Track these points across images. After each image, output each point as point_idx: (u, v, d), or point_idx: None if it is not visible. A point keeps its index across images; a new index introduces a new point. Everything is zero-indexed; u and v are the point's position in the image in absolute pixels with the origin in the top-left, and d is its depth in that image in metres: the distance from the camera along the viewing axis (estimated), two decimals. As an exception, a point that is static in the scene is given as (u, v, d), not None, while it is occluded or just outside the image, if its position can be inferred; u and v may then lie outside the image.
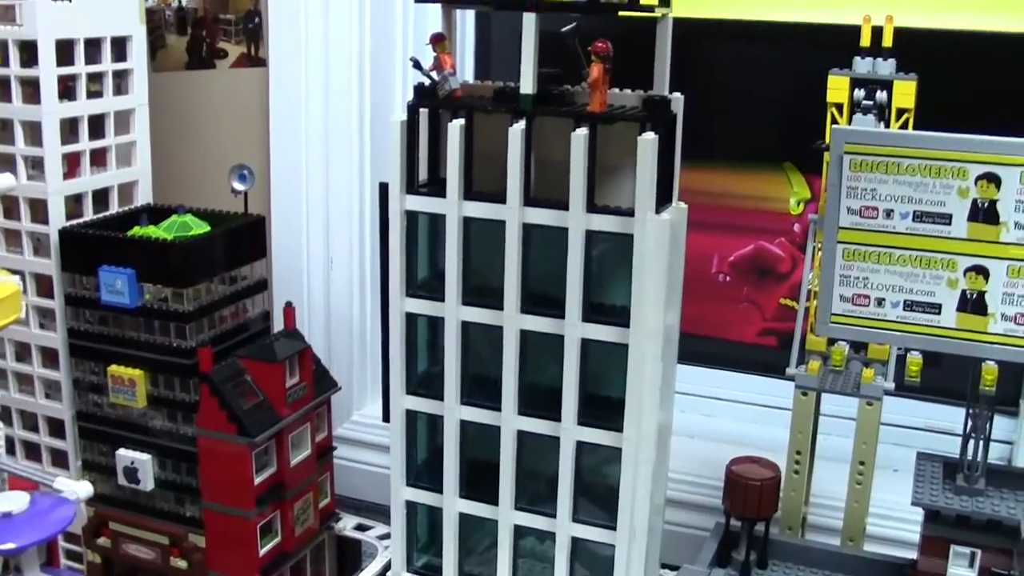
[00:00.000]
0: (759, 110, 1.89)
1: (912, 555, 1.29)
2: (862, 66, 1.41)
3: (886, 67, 1.40)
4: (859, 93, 1.41)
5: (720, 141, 1.89)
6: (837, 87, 1.42)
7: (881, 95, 1.40)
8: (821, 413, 1.52)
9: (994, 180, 1.14)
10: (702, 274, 1.91)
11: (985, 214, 1.15)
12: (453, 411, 1.35)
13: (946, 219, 1.16)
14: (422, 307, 1.35)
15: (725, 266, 1.93)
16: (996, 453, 1.76)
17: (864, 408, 1.40)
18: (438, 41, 1.30)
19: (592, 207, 1.23)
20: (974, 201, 1.15)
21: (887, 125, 1.38)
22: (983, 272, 1.16)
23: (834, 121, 1.41)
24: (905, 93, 1.38)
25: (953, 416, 1.77)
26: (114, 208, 1.71)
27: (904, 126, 1.37)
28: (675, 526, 1.63)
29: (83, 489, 1.32)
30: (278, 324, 1.68)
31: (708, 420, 1.92)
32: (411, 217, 1.33)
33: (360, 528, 1.81)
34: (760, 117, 1.90)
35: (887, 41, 1.40)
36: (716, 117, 1.86)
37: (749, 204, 1.90)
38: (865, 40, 1.41)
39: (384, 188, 1.35)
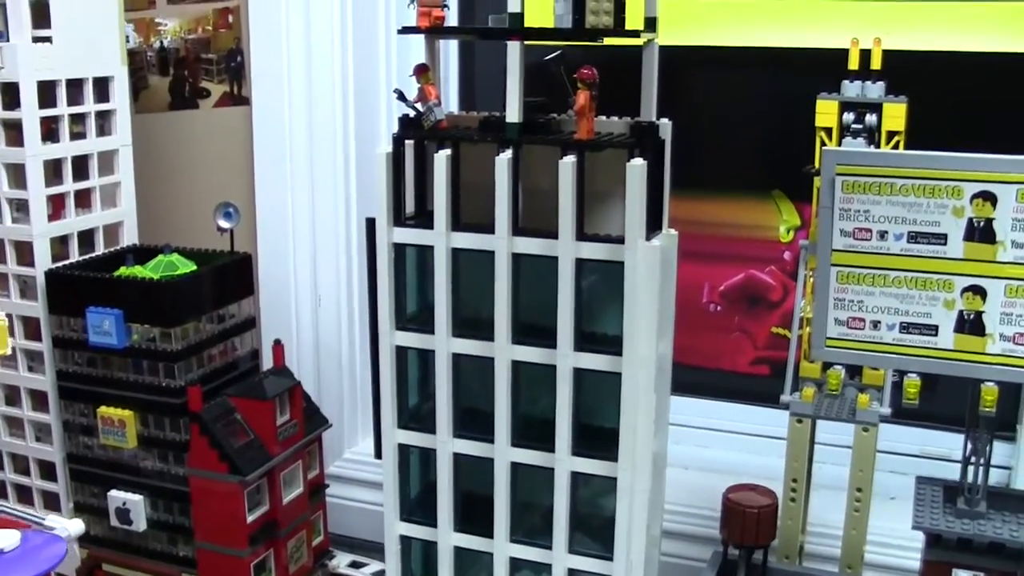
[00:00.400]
0: (747, 138, 1.89)
1: (913, 582, 1.28)
2: (851, 89, 1.40)
3: (875, 90, 1.39)
4: (848, 116, 1.40)
5: (708, 170, 1.88)
6: (826, 111, 1.41)
7: (871, 118, 1.39)
8: (816, 441, 1.50)
9: (990, 198, 1.12)
10: (693, 304, 1.90)
11: (981, 233, 1.14)
12: (446, 444, 1.33)
13: (941, 239, 1.15)
14: (412, 340, 1.33)
15: (716, 296, 1.92)
16: (994, 478, 1.73)
17: (860, 434, 1.39)
18: (422, 72, 1.29)
19: (582, 235, 1.22)
20: (970, 220, 1.14)
21: (877, 148, 1.38)
22: (980, 292, 1.15)
23: (823, 145, 1.40)
24: (895, 115, 1.37)
25: (950, 442, 1.76)
26: (100, 249, 1.70)
27: (895, 148, 1.37)
28: (672, 557, 1.61)
29: (74, 527, 1.30)
30: (267, 362, 1.67)
31: (703, 450, 1.91)
32: (399, 250, 1.32)
33: (354, 565, 1.79)
34: (748, 145, 1.89)
35: (876, 64, 1.40)
36: (704, 146, 1.86)
37: (739, 233, 1.89)
38: (853, 63, 1.40)
39: (371, 223, 1.34)
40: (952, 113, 1.69)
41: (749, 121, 1.88)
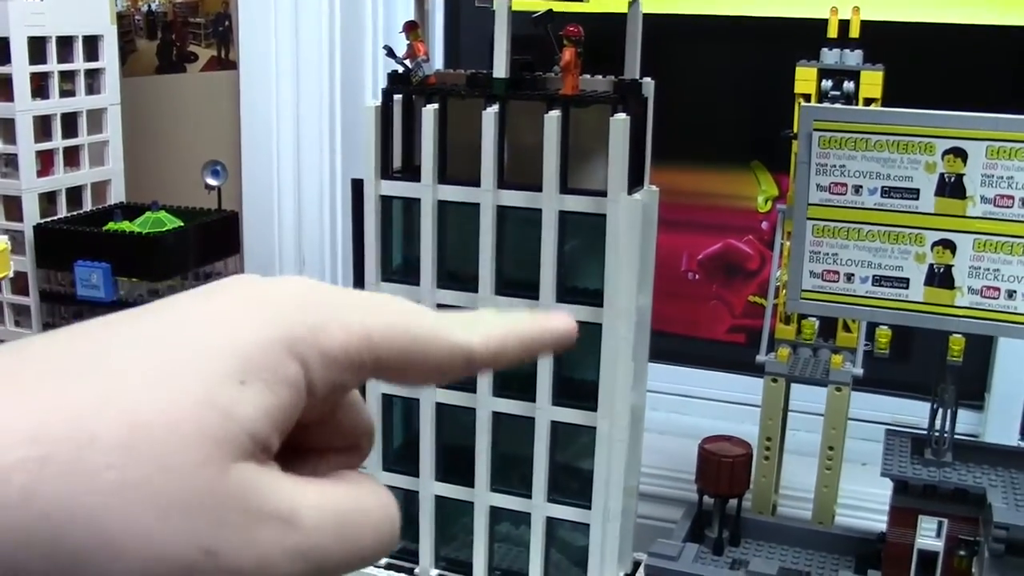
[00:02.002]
0: (726, 108, 1.92)
1: (877, 529, 1.31)
2: (829, 57, 1.43)
3: (853, 58, 1.42)
4: (827, 83, 1.43)
5: (687, 140, 1.91)
6: (805, 78, 1.43)
7: (848, 85, 1.42)
8: (791, 408, 1.53)
9: (960, 155, 1.16)
10: (671, 272, 1.93)
11: (952, 188, 1.17)
12: (428, 394, 1.36)
13: (914, 194, 1.19)
14: (397, 291, 1.36)
15: (694, 264, 1.95)
16: (962, 443, 1.79)
17: (833, 394, 1.42)
18: (411, 29, 1.32)
19: (565, 188, 1.25)
20: (941, 176, 1.17)
21: (853, 115, 1.41)
22: (950, 246, 1.18)
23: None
24: (872, 83, 1.40)
25: (920, 411, 1.79)
26: (88, 206, 1.71)
27: (870, 115, 1.40)
28: (648, 519, 1.64)
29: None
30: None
31: (680, 417, 1.93)
32: (385, 202, 1.34)
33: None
34: (727, 115, 1.92)
35: (854, 32, 1.43)
36: (682, 116, 1.89)
37: (717, 202, 1.93)
38: (832, 31, 1.43)
39: (356, 184, 1.36)
40: (928, 82, 1.72)
41: (728, 91, 1.91)
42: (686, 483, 1.68)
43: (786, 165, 1.44)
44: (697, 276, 1.95)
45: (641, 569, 1.31)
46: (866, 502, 1.62)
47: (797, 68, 1.44)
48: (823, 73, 1.44)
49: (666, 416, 1.92)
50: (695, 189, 1.93)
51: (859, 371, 1.41)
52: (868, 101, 1.40)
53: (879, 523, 1.53)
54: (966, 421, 1.78)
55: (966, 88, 1.74)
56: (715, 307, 1.96)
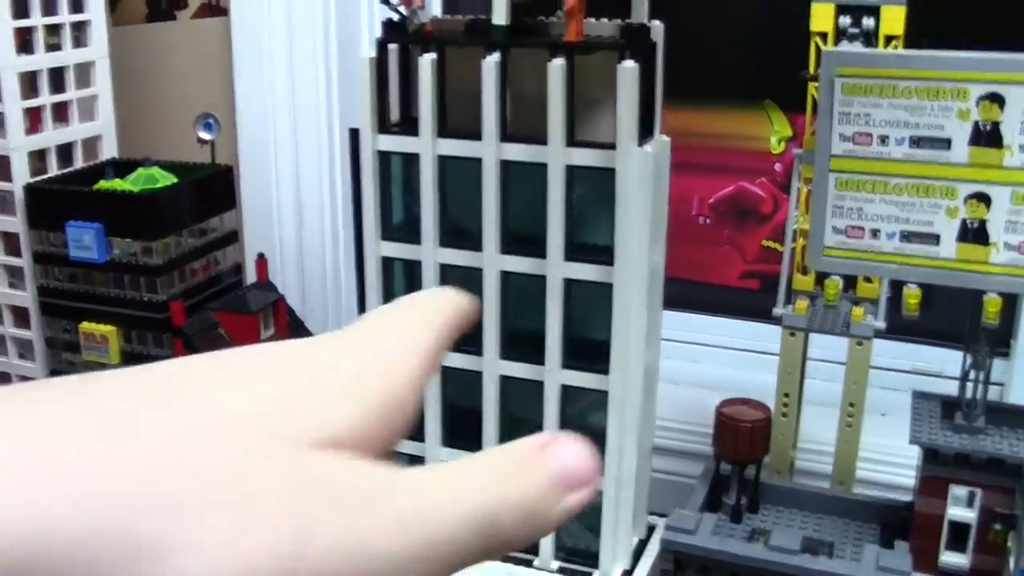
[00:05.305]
0: (736, 45, 1.84)
1: (903, 498, 1.26)
2: (848, -8, 1.36)
3: (873, -8, 1.35)
4: (845, 20, 1.35)
5: (696, 79, 1.84)
6: (821, 14, 1.35)
7: (868, 21, 1.34)
8: (809, 356, 1.48)
9: (997, 100, 1.08)
10: (682, 216, 1.87)
11: (987, 137, 1.09)
12: (433, 359, 1.31)
13: (945, 144, 1.11)
14: (398, 251, 1.30)
15: (705, 208, 1.88)
16: (989, 394, 1.73)
17: (854, 348, 1.36)
18: (407, -26, 1.24)
19: (572, 141, 1.18)
20: (975, 124, 1.09)
21: (875, 53, 1.33)
22: (985, 199, 1.11)
23: (818, 51, 1.36)
24: (894, 18, 1.31)
25: (941, 358, 1.74)
26: (79, 163, 1.65)
27: (893, 54, 1.32)
28: (662, 474, 1.59)
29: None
30: (251, 276, 1.64)
31: (693, 366, 1.88)
32: (383, 158, 1.28)
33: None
34: (738, 53, 1.85)
35: (873, -35, 1.35)
36: (692, 54, 1.81)
37: (728, 144, 1.85)
38: (851, -35, 1.36)
39: (354, 133, 1.30)
40: (956, 17, 1.64)
41: (740, 28, 1.83)
42: (700, 436, 1.63)
43: (800, 105, 1.37)
44: (708, 220, 1.89)
45: (657, 539, 1.27)
46: (888, 455, 1.57)
47: (813, 4, 1.36)
48: (841, 9, 1.36)
49: (679, 365, 1.87)
50: (705, 130, 1.86)
51: (881, 324, 1.35)
52: (889, 39, 1.33)
53: (900, 478, 1.48)
54: (993, 370, 1.72)
55: (999, 23, 1.65)
56: (727, 252, 1.90)
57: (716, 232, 1.89)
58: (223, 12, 1.85)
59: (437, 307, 0.37)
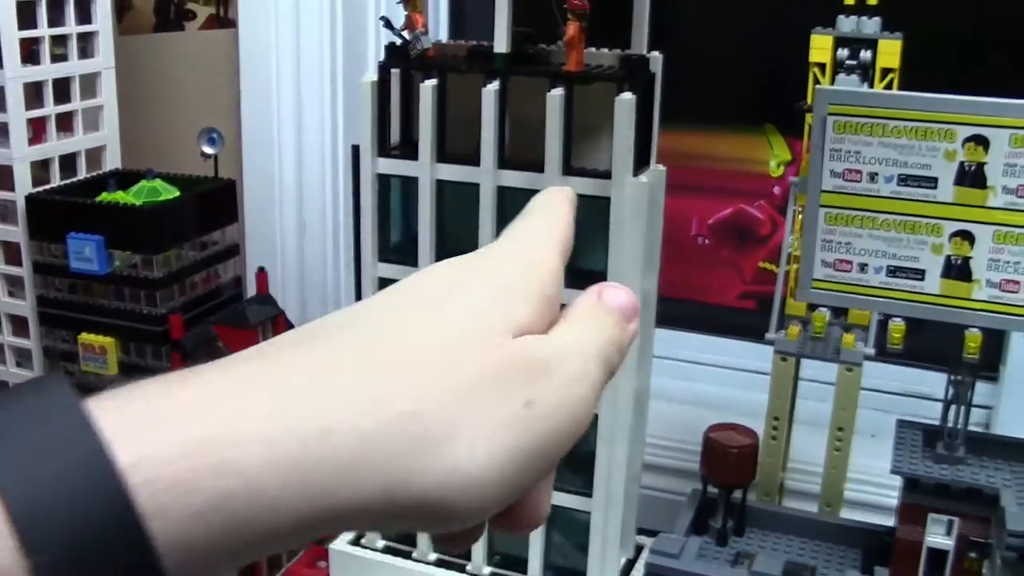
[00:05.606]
0: (740, 71, 1.86)
1: (889, 521, 1.28)
2: (846, 24, 1.37)
3: (871, 25, 1.36)
4: (843, 52, 1.37)
5: (699, 103, 1.86)
6: (820, 46, 1.37)
7: (865, 54, 1.36)
8: (801, 377, 1.49)
9: (982, 142, 1.10)
10: (682, 237, 1.89)
11: (972, 178, 1.11)
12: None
13: (932, 183, 1.13)
14: (394, 272, 1.32)
15: (704, 229, 1.90)
16: (976, 418, 1.74)
17: (843, 374, 1.38)
18: (409, 0, 1.26)
19: (568, 170, 1.20)
20: (961, 164, 1.12)
21: (871, 85, 1.35)
22: (969, 237, 1.13)
23: (816, 81, 1.38)
24: (890, 52, 1.33)
25: (932, 381, 1.76)
26: (82, 174, 1.67)
27: (889, 86, 1.34)
28: (652, 491, 1.61)
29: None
30: (252, 290, 1.66)
31: (688, 385, 1.90)
32: (383, 180, 1.30)
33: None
34: (740, 78, 1.87)
35: (872, -1, 1.37)
36: (695, 78, 1.83)
37: (729, 166, 1.88)
38: (849, -3, 1.37)
39: (356, 150, 1.32)
40: (950, 51, 1.66)
41: (742, 54, 1.85)
42: (692, 455, 1.64)
43: (799, 130, 1.39)
44: (708, 241, 1.91)
45: (642, 562, 1.29)
46: (877, 477, 1.59)
47: (812, 36, 1.38)
48: (839, 41, 1.38)
49: (674, 383, 1.89)
50: (707, 152, 1.88)
51: (871, 351, 1.37)
52: (886, 71, 1.35)
53: (889, 499, 1.50)
54: (980, 394, 1.74)
55: (994, 58, 1.67)
56: (726, 273, 1.91)
57: (715, 253, 1.91)
58: (231, 24, 1.87)
59: (560, 205, 0.46)
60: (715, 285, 1.93)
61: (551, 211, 0.46)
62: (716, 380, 1.91)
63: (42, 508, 0.29)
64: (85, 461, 0.30)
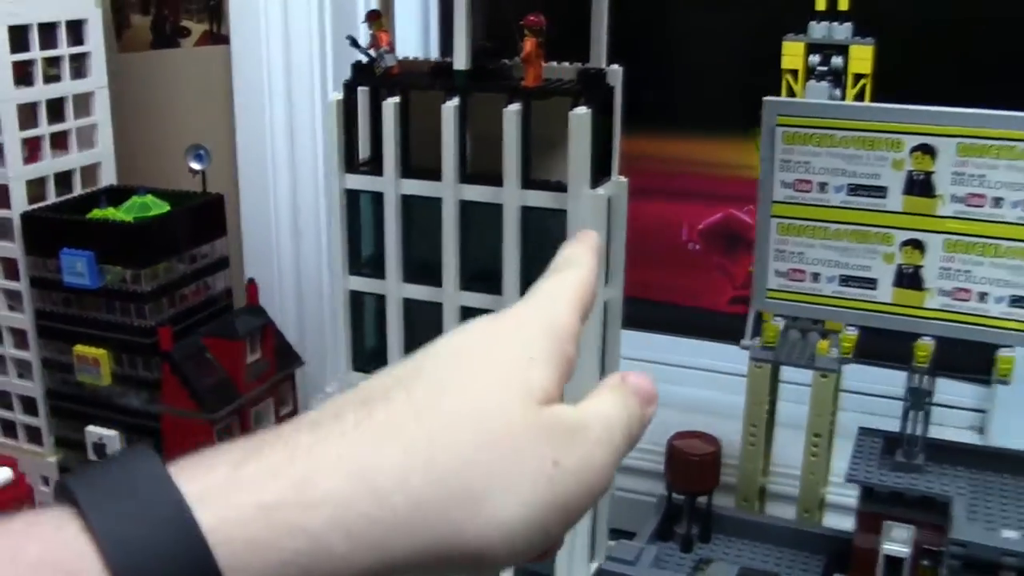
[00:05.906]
0: (725, 75, 1.86)
1: (850, 530, 1.28)
2: (817, 31, 1.37)
3: (842, 31, 1.36)
4: (814, 59, 1.37)
5: (687, 108, 1.87)
6: (791, 53, 1.37)
7: (837, 60, 1.36)
8: (780, 379, 1.50)
9: (929, 152, 1.11)
10: (672, 242, 1.90)
11: (920, 187, 1.12)
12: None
13: (881, 192, 1.14)
14: (365, 285, 1.34)
15: (694, 235, 1.91)
16: (970, 422, 1.75)
17: (819, 380, 1.39)
18: (374, 19, 1.29)
19: (527, 183, 1.22)
20: (909, 173, 1.12)
21: (843, 91, 1.36)
22: (919, 246, 1.13)
23: (789, 88, 1.39)
24: (862, 58, 1.33)
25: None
26: (77, 190, 1.71)
27: (861, 92, 1.34)
28: (628, 492, 1.62)
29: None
30: (242, 302, 1.68)
31: (673, 388, 1.90)
32: (352, 195, 1.33)
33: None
34: (727, 82, 1.87)
35: (843, 4, 1.37)
36: (682, 84, 1.84)
37: (718, 171, 1.88)
38: (821, 3, 1.37)
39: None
40: (923, 56, 1.66)
41: (729, 58, 1.86)
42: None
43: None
44: (698, 246, 1.91)
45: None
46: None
47: (783, 43, 1.38)
48: (811, 48, 1.38)
49: (660, 387, 1.89)
50: (696, 158, 1.88)
51: (847, 356, 1.38)
52: (858, 77, 1.35)
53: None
54: (974, 398, 1.74)
55: (965, 62, 1.67)
56: (717, 278, 1.92)
57: (706, 258, 1.92)
58: (225, 40, 1.90)
59: (585, 255, 0.53)
60: (708, 290, 1.94)
61: (576, 265, 0.52)
62: (711, 385, 1.92)
63: (137, 564, 0.35)
64: (173, 524, 0.36)
